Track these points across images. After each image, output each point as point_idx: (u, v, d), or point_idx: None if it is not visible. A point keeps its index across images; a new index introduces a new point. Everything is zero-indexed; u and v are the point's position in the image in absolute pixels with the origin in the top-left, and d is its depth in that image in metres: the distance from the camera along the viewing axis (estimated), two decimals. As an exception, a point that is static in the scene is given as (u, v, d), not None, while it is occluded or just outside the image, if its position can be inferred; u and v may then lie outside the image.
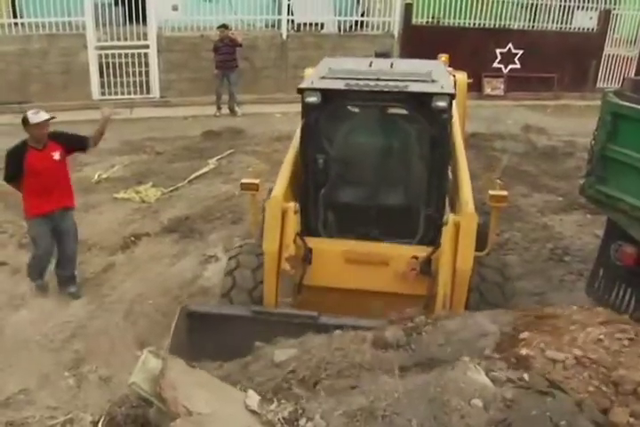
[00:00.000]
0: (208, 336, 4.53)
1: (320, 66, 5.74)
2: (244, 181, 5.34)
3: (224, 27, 13.29)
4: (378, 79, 5.01)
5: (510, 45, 16.25)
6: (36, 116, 6.02)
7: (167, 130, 12.13)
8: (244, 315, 4.71)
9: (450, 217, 4.79)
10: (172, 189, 9.16)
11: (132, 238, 7.61)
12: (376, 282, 5.03)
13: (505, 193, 5.02)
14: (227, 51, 13.12)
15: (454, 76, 6.83)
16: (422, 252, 5.02)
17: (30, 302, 6.32)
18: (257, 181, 5.29)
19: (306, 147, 5.22)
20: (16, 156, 6.12)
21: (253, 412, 2.80)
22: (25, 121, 6.05)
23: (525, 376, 3.08)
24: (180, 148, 11.11)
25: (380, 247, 5.17)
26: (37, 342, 5.70)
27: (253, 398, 2.87)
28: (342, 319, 4.42)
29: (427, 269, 4.96)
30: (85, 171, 9.83)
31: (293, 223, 5.00)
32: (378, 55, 7.27)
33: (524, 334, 3.48)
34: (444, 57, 7.97)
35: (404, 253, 5.07)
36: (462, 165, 5.39)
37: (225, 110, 13.50)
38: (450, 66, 7.55)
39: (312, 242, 5.19)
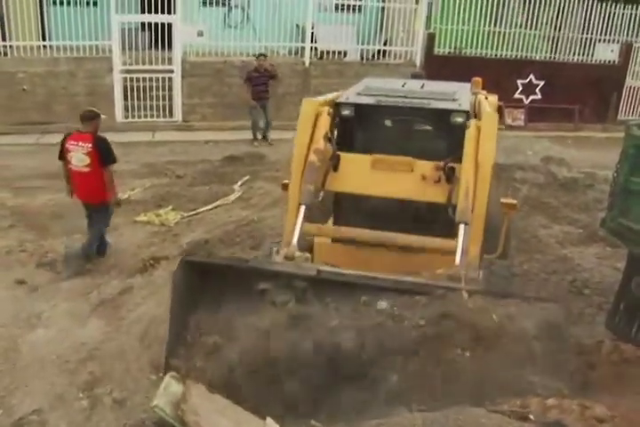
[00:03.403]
0: (206, 286, 4.57)
1: (359, 84, 6.26)
2: (284, 182, 5.70)
3: (263, 56, 13.28)
4: (405, 97, 5.56)
5: (531, 76, 16.33)
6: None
7: (188, 154, 12.24)
8: (242, 267, 4.60)
9: (472, 121, 5.10)
10: (192, 213, 9.20)
11: (151, 261, 7.61)
12: (400, 189, 5.22)
13: (515, 201, 5.40)
14: (263, 81, 13.08)
15: (486, 97, 7.30)
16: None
17: (47, 322, 6.33)
18: None
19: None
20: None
21: (272, 440, 2.78)
22: (97, 114, 7.15)
23: (531, 416, 3.21)
24: (200, 172, 11.18)
25: (406, 158, 5.34)
26: (53, 362, 5.68)
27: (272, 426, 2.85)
28: (343, 276, 4.40)
29: (450, 175, 5.09)
30: (106, 192, 9.93)
31: (325, 124, 5.27)
32: (413, 76, 7.84)
33: None
34: (477, 79, 8.17)
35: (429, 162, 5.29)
36: None
37: (259, 136, 13.53)
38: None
39: (341, 154, 5.41)
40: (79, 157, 7.00)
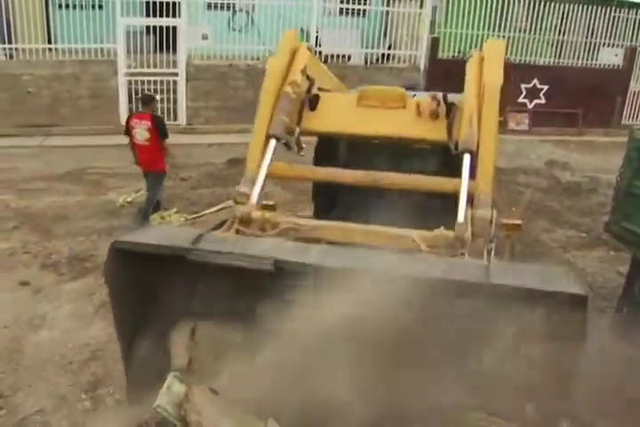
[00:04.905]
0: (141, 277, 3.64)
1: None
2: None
3: None
4: None
5: (535, 81, 16.32)
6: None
7: (192, 157, 12.25)
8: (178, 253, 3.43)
9: (474, 51, 4.68)
10: (196, 215, 9.20)
11: (154, 263, 7.61)
12: (391, 126, 4.51)
13: (519, 221, 4.85)
14: None
15: None
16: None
17: (51, 323, 6.33)
18: None
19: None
20: None
21: (274, 442, 2.78)
22: (153, 97, 8.94)
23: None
24: (204, 174, 11.20)
25: (398, 90, 4.81)
26: (56, 362, 5.68)
27: (275, 427, 2.85)
28: (307, 267, 3.18)
29: (450, 107, 4.37)
30: (110, 195, 9.95)
31: (304, 58, 4.74)
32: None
33: None
34: None
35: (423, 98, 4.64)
36: None
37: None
38: None
39: (321, 94, 4.81)
40: (141, 132, 8.44)
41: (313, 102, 4.70)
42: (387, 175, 4.36)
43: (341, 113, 4.68)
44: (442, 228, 3.74)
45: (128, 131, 8.65)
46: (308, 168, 5.01)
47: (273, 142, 4.37)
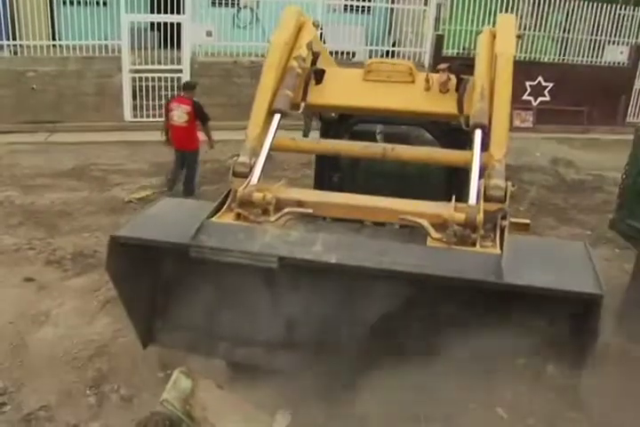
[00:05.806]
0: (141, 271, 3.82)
1: None
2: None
3: None
4: None
5: (540, 78, 16.28)
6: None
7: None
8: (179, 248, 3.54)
9: (485, 27, 4.53)
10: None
11: (159, 259, 7.61)
12: (399, 99, 4.38)
13: (528, 221, 4.74)
14: None
15: None
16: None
17: (55, 319, 6.34)
18: None
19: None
20: None
21: (280, 436, 2.78)
22: (195, 85, 9.76)
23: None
24: (209, 171, 11.17)
25: (406, 63, 4.65)
26: (60, 358, 5.68)
27: (281, 423, 2.85)
28: (316, 263, 3.31)
29: (460, 81, 4.23)
30: (114, 191, 9.96)
31: (310, 33, 4.69)
32: None
33: None
34: None
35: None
36: None
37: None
38: None
39: (327, 68, 4.71)
40: (180, 115, 9.34)
41: (319, 76, 4.59)
42: (397, 147, 4.22)
43: (348, 87, 4.57)
44: (453, 202, 3.59)
45: (166, 113, 9.55)
46: (312, 141, 4.88)
47: (277, 117, 4.24)
